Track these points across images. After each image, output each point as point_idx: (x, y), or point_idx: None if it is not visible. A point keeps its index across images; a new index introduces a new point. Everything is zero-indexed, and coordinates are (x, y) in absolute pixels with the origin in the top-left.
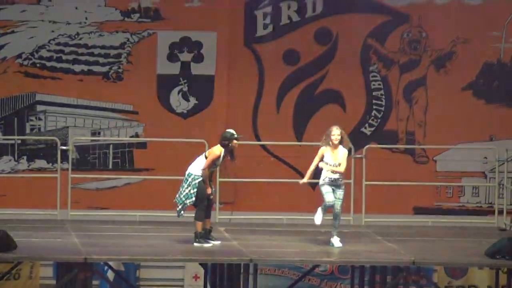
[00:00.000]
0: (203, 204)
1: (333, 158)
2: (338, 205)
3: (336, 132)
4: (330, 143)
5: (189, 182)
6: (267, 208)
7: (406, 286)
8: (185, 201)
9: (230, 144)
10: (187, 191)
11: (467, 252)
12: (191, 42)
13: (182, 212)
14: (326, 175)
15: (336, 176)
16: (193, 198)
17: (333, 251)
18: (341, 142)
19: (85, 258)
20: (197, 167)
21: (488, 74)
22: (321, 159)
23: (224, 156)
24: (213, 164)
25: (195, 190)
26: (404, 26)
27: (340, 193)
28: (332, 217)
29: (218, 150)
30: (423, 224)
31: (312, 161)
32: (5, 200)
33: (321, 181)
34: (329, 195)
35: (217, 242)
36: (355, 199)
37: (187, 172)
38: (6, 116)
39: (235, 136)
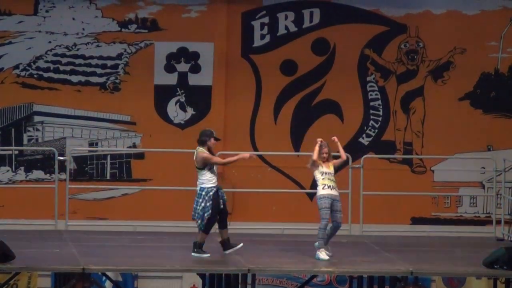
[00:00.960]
0: (215, 216)
1: (327, 167)
2: (339, 218)
3: (324, 150)
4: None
5: (203, 196)
6: (265, 218)
7: None
8: (204, 215)
9: (208, 142)
10: (203, 205)
11: (465, 262)
12: (188, 52)
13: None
14: (324, 183)
15: (334, 185)
16: (210, 211)
17: (332, 261)
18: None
19: (83, 269)
20: (205, 180)
21: (486, 84)
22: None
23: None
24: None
25: (211, 202)
26: (401, 37)
27: (339, 205)
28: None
29: (201, 151)
30: (420, 234)
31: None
32: (2, 211)
33: (320, 191)
34: (327, 212)
35: (239, 246)
36: (352, 209)
37: (198, 188)
38: (3, 126)
39: (214, 135)
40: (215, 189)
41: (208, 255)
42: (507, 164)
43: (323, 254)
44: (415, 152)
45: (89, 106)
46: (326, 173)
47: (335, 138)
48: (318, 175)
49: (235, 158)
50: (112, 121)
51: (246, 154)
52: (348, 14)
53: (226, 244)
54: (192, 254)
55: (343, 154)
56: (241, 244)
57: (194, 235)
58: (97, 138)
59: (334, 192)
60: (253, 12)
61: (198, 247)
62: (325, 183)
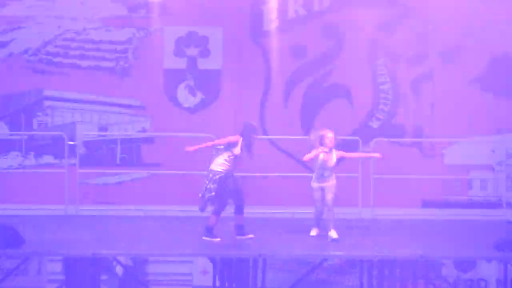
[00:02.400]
0: (222, 200)
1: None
2: (329, 201)
3: (330, 135)
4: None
5: (210, 178)
6: (276, 202)
7: (415, 279)
8: (205, 195)
9: (250, 136)
10: (206, 186)
11: (476, 246)
12: (197, 37)
13: (206, 207)
14: (316, 176)
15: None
16: (212, 193)
17: (342, 245)
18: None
19: (93, 254)
20: (217, 164)
21: (496, 67)
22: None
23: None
24: (227, 146)
25: (215, 185)
26: (411, 20)
27: (330, 189)
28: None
29: (237, 137)
30: (431, 218)
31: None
32: (13, 196)
33: (312, 183)
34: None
35: (250, 236)
36: (363, 193)
37: (208, 170)
38: (13, 112)
39: (255, 130)
40: (222, 174)
41: (218, 239)
42: None
43: (312, 232)
44: (425, 136)
45: (98, 91)
46: (322, 168)
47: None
48: (316, 167)
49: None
50: (121, 105)
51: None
52: None
53: (239, 229)
54: (203, 237)
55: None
56: (252, 236)
57: (205, 219)
58: (107, 123)
59: (324, 183)
60: None
61: (209, 230)
62: (317, 176)
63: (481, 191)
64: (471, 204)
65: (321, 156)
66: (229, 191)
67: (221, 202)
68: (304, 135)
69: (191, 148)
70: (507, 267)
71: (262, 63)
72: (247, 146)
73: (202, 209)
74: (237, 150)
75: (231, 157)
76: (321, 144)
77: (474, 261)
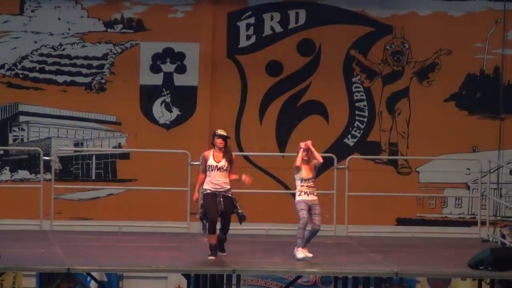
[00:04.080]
0: (211, 217)
1: (306, 173)
2: (319, 221)
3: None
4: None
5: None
6: (250, 219)
7: None
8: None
9: (213, 142)
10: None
11: (450, 263)
12: (174, 53)
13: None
14: (301, 190)
15: (311, 191)
16: (200, 210)
17: (316, 262)
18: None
19: (68, 269)
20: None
21: (471, 85)
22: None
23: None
24: (203, 165)
25: (201, 202)
26: (387, 38)
27: (318, 208)
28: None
29: (207, 151)
30: (406, 235)
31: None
32: None
33: (297, 198)
34: (304, 212)
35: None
36: (338, 210)
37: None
38: None
39: (217, 133)
40: (208, 190)
41: (211, 257)
42: (492, 165)
43: (299, 253)
44: (400, 153)
45: (74, 106)
46: (305, 180)
47: (307, 143)
48: (297, 181)
49: (195, 190)
50: (97, 121)
51: (195, 195)
52: (333, 15)
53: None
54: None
55: (318, 157)
56: (225, 254)
57: (179, 235)
58: (83, 138)
59: (311, 198)
60: (239, 13)
61: (210, 249)
62: (302, 190)
63: (455, 208)
64: (445, 222)
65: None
66: (215, 207)
67: (211, 219)
68: (280, 151)
69: (195, 195)
70: (482, 285)
71: (238, 79)
72: (220, 151)
73: (203, 229)
74: (210, 161)
75: (210, 170)
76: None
77: (449, 278)
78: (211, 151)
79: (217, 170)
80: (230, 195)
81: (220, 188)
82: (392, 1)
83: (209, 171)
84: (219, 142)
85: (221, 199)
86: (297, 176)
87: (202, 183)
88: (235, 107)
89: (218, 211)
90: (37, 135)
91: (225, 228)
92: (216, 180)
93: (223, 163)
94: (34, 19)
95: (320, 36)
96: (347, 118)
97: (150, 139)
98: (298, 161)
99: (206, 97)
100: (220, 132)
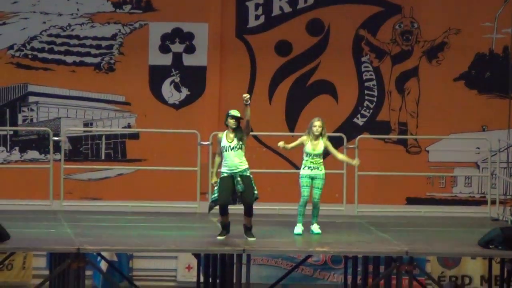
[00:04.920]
0: (222, 201)
1: (313, 148)
2: (317, 194)
3: (317, 124)
4: (312, 134)
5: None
6: (260, 198)
7: (399, 276)
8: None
9: (226, 123)
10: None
11: (460, 242)
12: (182, 33)
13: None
14: (305, 164)
15: (316, 165)
16: (216, 194)
17: (326, 242)
18: (321, 133)
19: (78, 249)
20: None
21: (480, 65)
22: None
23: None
24: (217, 147)
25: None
26: (396, 17)
27: (319, 182)
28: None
29: (220, 133)
30: (416, 215)
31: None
32: None
33: (301, 171)
34: (305, 189)
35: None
36: (347, 189)
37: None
38: None
39: (230, 114)
40: (225, 174)
41: (221, 237)
42: (502, 145)
43: (296, 229)
44: (409, 133)
45: (83, 87)
46: (309, 155)
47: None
48: (304, 156)
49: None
50: (107, 101)
51: (213, 179)
52: None
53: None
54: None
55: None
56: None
57: (189, 215)
58: (92, 119)
59: (314, 172)
60: None
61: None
62: (306, 164)
63: (465, 188)
64: (455, 201)
65: (306, 143)
66: (229, 192)
67: (219, 202)
68: (289, 131)
69: (214, 179)
70: (491, 264)
71: (247, 59)
72: (234, 131)
73: (221, 212)
74: (223, 142)
75: (224, 151)
76: (309, 132)
77: (459, 258)
78: (224, 132)
79: (231, 150)
80: (248, 174)
81: (236, 169)
82: None
83: (223, 152)
84: (232, 122)
85: (239, 179)
86: (304, 150)
87: (219, 166)
88: (244, 87)
89: (237, 192)
90: (47, 115)
91: (248, 211)
92: (231, 161)
93: (235, 142)
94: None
95: (329, 16)
96: (356, 98)
97: (160, 119)
98: (283, 144)
99: (215, 77)
100: (233, 112)
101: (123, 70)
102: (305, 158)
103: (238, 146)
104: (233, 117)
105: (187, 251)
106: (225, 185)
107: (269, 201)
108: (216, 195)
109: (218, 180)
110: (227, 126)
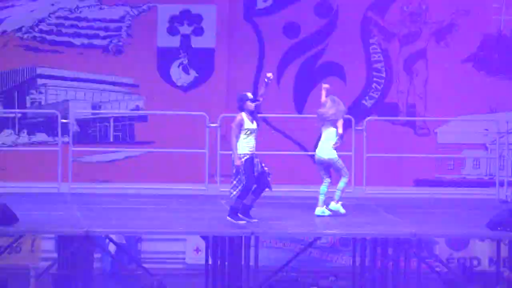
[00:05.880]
0: (250, 183)
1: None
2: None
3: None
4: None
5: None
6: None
7: (407, 258)
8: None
9: (244, 106)
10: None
11: (469, 224)
12: (191, 15)
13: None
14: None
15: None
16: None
17: (335, 224)
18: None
19: (86, 231)
20: (239, 146)
21: (489, 46)
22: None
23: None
24: (238, 130)
25: (242, 168)
26: None
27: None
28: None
29: (238, 115)
30: (424, 196)
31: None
32: (5, 174)
33: (336, 153)
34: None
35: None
36: (356, 171)
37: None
38: (6, 89)
39: (249, 97)
40: (248, 155)
41: (243, 222)
42: (510, 126)
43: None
44: (418, 114)
45: (92, 69)
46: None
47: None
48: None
49: (233, 153)
50: (115, 83)
51: (237, 161)
52: None
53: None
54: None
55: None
56: (256, 220)
57: (197, 197)
58: (100, 101)
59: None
60: None
61: (233, 212)
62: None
63: (474, 169)
64: (464, 183)
65: (339, 125)
66: (255, 173)
67: (247, 184)
68: (297, 113)
69: (238, 162)
70: (500, 246)
71: (255, 41)
72: (252, 114)
73: (243, 197)
74: (247, 125)
75: (248, 134)
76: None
77: (467, 240)
78: (243, 115)
79: (254, 132)
80: None
81: (255, 151)
82: None
83: (246, 134)
84: (252, 106)
85: (258, 160)
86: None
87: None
88: (253, 69)
89: (256, 172)
90: (55, 98)
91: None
92: (252, 144)
93: (256, 124)
94: None
95: None
96: (364, 80)
97: (168, 101)
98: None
99: (224, 59)
100: (252, 96)
101: (131, 52)
102: (337, 140)
103: (258, 128)
104: (253, 100)
105: (195, 233)
106: (251, 167)
107: (277, 183)
108: (244, 184)
109: (244, 163)
110: (241, 110)
